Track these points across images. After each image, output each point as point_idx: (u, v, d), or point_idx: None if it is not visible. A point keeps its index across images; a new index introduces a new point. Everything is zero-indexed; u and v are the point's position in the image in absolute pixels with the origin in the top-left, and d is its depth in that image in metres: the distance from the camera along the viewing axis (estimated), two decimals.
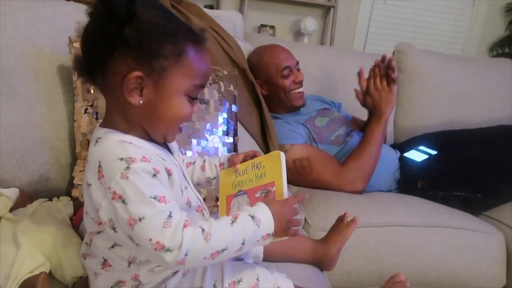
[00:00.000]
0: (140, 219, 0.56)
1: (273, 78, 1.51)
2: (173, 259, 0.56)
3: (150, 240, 0.56)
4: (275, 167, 0.74)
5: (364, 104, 1.49)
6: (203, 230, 0.58)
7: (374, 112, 1.45)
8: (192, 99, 0.64)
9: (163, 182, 0.59)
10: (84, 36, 0.61)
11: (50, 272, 0.77)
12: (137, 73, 0.59)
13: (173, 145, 0.73)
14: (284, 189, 0.71)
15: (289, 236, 0.67)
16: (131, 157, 0.57)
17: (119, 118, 0.63)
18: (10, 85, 1.00)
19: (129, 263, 0.63)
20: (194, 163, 0.83)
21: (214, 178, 0.83)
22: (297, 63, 1.56)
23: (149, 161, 0.58)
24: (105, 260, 0.65)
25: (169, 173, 0.62)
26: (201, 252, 0.58)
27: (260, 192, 0.74)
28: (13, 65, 1.01)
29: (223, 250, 0.59)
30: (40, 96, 1.03)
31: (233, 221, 0.61)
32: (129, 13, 0.57)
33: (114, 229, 0.59)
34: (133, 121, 0.63)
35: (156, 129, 0.64)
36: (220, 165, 0.83)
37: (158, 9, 0.62)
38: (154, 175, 0.58)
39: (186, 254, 0.56)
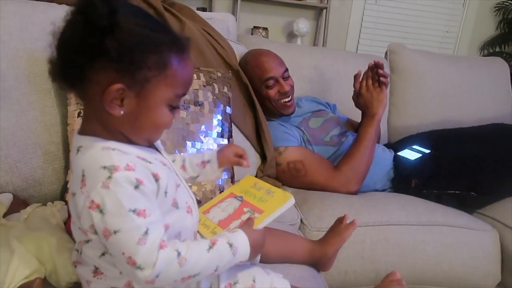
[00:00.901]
0: (115, 232, 0.55)
1: (257, 88, 1.49)
2: (143, 277, 0.56)
3: (123, 253, 0.55)
4: (277, 203, 0.77)
5: (357, 104, 1.51)
6: (179, 254, 0.57)
7: (367, 112, 1.47)
8: (173, 108, 0.63)
9: (146, 194, 0.57)
10: (61, 42, 0.57)
11: (45, 277, 0.76)
12: (119, 86, 0.56)
13: (158, 143, 0.71)
14: (263, 223, 0.72)
15: None
16: (115, 165, 0.56)
17: (98, 125, 0.61)
18: (2, 89, 0.99)
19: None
20: (173, 161, 0.80)
21: (197, 176, 0.82)
22: (285, 70, 1.51)
23: (134, 170, 0.57)
24: (96, 268, 0.64)
25: (156, 178, 0.60)
26: (173, 276, 0.58)
27: (248, 209, 0.77)
28: (5, 69, 1.00)
29: (195, 275, 0.60)
30: (33, 100, 1.02)
31: (210, 247, 0.62)
32: (111, 24, 0.54)
33: (96, 233, 0.58)
34: (112, 128, 0.61)
35: (137, 136, 0.62)
36: (202, 162, 0.82)
37: (141, 17, 0.59)
38: (137, 186, 0.56)
39: (157, 276, 0.56)
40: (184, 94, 0.64)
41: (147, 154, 0.63)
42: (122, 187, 0.55)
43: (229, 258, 0.63)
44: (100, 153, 0.58)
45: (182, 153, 0.88)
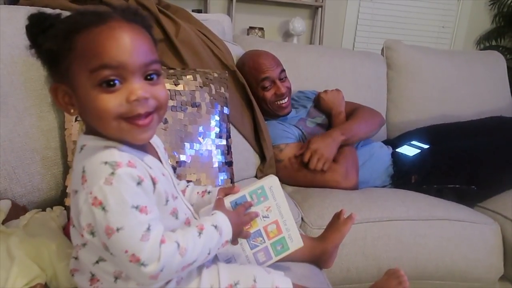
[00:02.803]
0: (118, 229, 0.54)
1: (254, 90, 1.50)
2: (147, 273, 0.55)
3: (126, 251, 0.55)
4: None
5: (321, 108, 1.62)
6: (178, 245, 0.58)
7: (332, 112, 1.58)
8: (109, 87, 0.56)
9: (147, 191, 0.58)
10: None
11: (45, 283, 0.76)
12: (53, 86, 0.59)
13: (163, 154, 0.71)
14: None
15: (244, 238, 0.74)
16: (117, 161, 0.55)
17: (88, 126, 0.62)
18: None
19: (115, 278, 0.61)
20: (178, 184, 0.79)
21: (192, 204, 0.80)
22: (281, 71, 1.53)
23: (135, 167, 0.57)
24: (92, 275, 0.63)
25: (153, 182, 0.60)
26: (176, 267, 0.58)
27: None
28: (1, 75, 0.99)
29: (193, 262, 0.60)
30: (30, 106, 1.02)
31: (200, 232, 0.62)
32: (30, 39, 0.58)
33: (92, 233, 0.57)
34: (92, 128, 0.61)
35: (105, 132, 0.59)
36: (203, 192, 0.82)
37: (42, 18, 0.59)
38: (139, 183, 0.56)
39: (161, 270, 0.56)
40: (107, 66, 0.55)
41: (148, 160, 0.63)
42: (126, 183, 0.55)
43: (217, 239, 0.64)
44: (101, 150, 0.58)
45: (190, 183, 0.87)
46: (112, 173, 0.55)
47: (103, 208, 0.54)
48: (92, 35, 0.56)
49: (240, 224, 0.72)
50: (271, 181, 0.79)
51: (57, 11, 0.62)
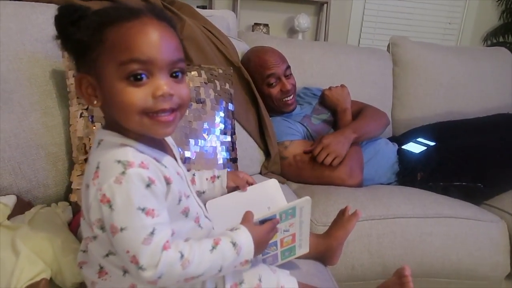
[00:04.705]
0: (121, 229, 0.54)
1: (259, 86, 1.50)
2: (145, 278, 0.55)
3: (128, 252, 0.55)
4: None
5: (327, 105, 1.61)
6: (182, 255, 0.57)
7: (337, 109, 1.56)
8: (136, 81, 0.57)
9: (156, 194, 0.57)
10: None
11: (50, 278, 0.76)
12: (78, 76, 0.59)
13: (177, 152, 0.71)
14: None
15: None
16: (129, 161, 0.56)
17: (115, 122, 0.61)
18: (3, 91, 0.99)
19: (124, 272, 0.61)
20: None
21: (204, 192, 0.81)
22: (287, 68, 1.52)
23: (147, 168, 0.57)
24: (101, 268, 0.63)
25: (168, 182, 0.60)
26: (176, 277, 0.57)
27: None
28: (6, 72, 1.00)
29: (198, 276, 0.59)
30: (34, 102, 1.02)
31: (213, 247, 0.60)
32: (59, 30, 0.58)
33: (102, 228, 0.58)
34: (113, 122, 0.62)
35: (126, 125, 0.59)
36: (212, 177, 0.82)
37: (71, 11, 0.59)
38: (148, 185, 0.56)
39: (159, 277, 0.56)
40: (136, 61, 0.56)
41: (164, 159, 0.63)
42: (134, 184, 0.55)
43: (233, 258, 0.62)
44: (117, 148, 0.58)
45: (193, 170, 0.87)
46: (123, 172, 0.55)
47: (110, 206, 0.55)
48: (124, 29, 0.57)
49: (265, 241, 0.70)
50: (304, 202, 0.77)
51: (87, 5, 0.65)
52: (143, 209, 0.55)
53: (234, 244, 0.62)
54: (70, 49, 0.60)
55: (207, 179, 0.82)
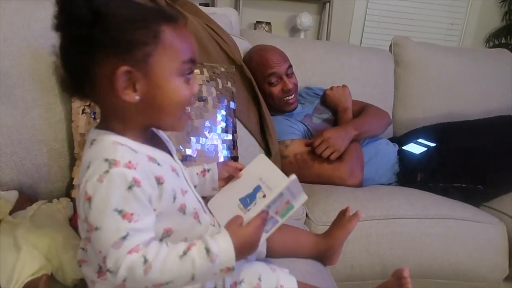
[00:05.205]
0: (96, 228, 0.54)
1: (261, 85, 1.50)
2: (111, 280, 0.55)
3: (100, 252, 0.55)
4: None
5: (328, 105, 1.61)
6: (145, 261, 0.54)
7: (338, 108, 1.56)
8: (187, 78, 0.62)
9: (138, 198, 0.55)
10: (61, 54, 0.59)
11: (51, 274, 0.77)
12: (123, 68, 0.56)
13: (172, 147, 0.71)
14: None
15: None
16: (116, 159, 0.55)
17: (115, 121, 0.61)
18: (6, 87, 0.99)
19: None
20: None
21: (195, 186, 0.80)
22: (289, 67, 1.52)
23: (134, 169, 0.56)
24: (100, 268, 0.63)
25: (159, 182, 0.59)
26: (141, 283, 0.55)
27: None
28: (9, 67, 1.00)
29: (167, 283, 0.56)
30: (37, 97, 1.02)
31: (184, 253, 0.57)
32: (92, 13, 0.54)
33: None
34: (131, 122, 0.61)
35: (162, 121, 0.63)
36: (203, 171, 0.82)
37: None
38: (130, 187, 0.55)
39: (124, 281, 0.55)
40: (193, 61, 0.62)
41: (158, 156, 0.63)
42: (115, 184, 0.54)
43: (207, 266, 0.57)
44: (108, 146, 0.58)
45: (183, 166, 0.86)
46: (106, 171, 0.55)
47: (89, 204, 0.55)
48: (179, 29, 0.61)
49: (253, 243, 0.64)
50: (289, 182, 0.70)
51: None
52: (120, 211, 0.54)
53: (207, 251, 0.57)
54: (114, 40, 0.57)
55: (197, 173, 0.81)
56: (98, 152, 0.58)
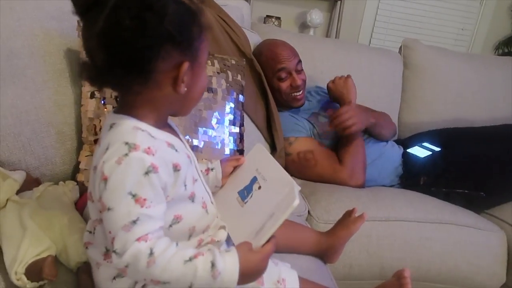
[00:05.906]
0: (108, 209, 0.55)
1: (270, 79, 1.49)
2: (115, 262, 0.56)
3: (110, 232, 0.56)
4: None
5: (332, 99, 1.56)
6: (151, 253, 0.54)
7: (341, 102, 1.49)
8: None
9: (154, 184, 0.56)
10: (114, 42, 0.54)
11: (55, 256, 0.77)
12: (187, 63, 0.59)
13: (182, 136, 0.72)
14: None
15: None
16: (135, 144, 0.56)
17: (146, 110, 0.61)
18: (17, 67, 0.99)
19: None
20: None
21: None
22: (298, 62, 1.51)
23: (153, 155, 0.56)
24: (107, 250, 0.63)
25: (176, 169, 0.60)
26: (141, 274, 0.56)
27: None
28: (21, 47, 1.00)
29: (164, 282, 0.56)
30: (47, 79, 1.02)
31: (190, 259, 0.56)
32: (162, 7, 0.54)
33: None
34: (162, 111, 0.63)
35: (185, 109, 0.67)
36: (206, 169, 0.82)
37: None
38: (147, 173, 0.55)
39: (126, 266, 0.55)
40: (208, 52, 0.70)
41: (176, 142, 0.64)
42: (132, 168, 0.55)
43: (207, 280, 0.56)
44: (129, 130, 0.59)
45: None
46: (126, 154, 0.55)
47: (105, 184, 0.55)
48: (206, 25, 0.64)
49: (258, 271, 0.62)
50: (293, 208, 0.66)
51: None
52: (133, 195, 0.55)
53: (212, 265, 0.56)
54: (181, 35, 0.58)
55: (201, 171, 0.81)
56: (118, 135, 0.58)
